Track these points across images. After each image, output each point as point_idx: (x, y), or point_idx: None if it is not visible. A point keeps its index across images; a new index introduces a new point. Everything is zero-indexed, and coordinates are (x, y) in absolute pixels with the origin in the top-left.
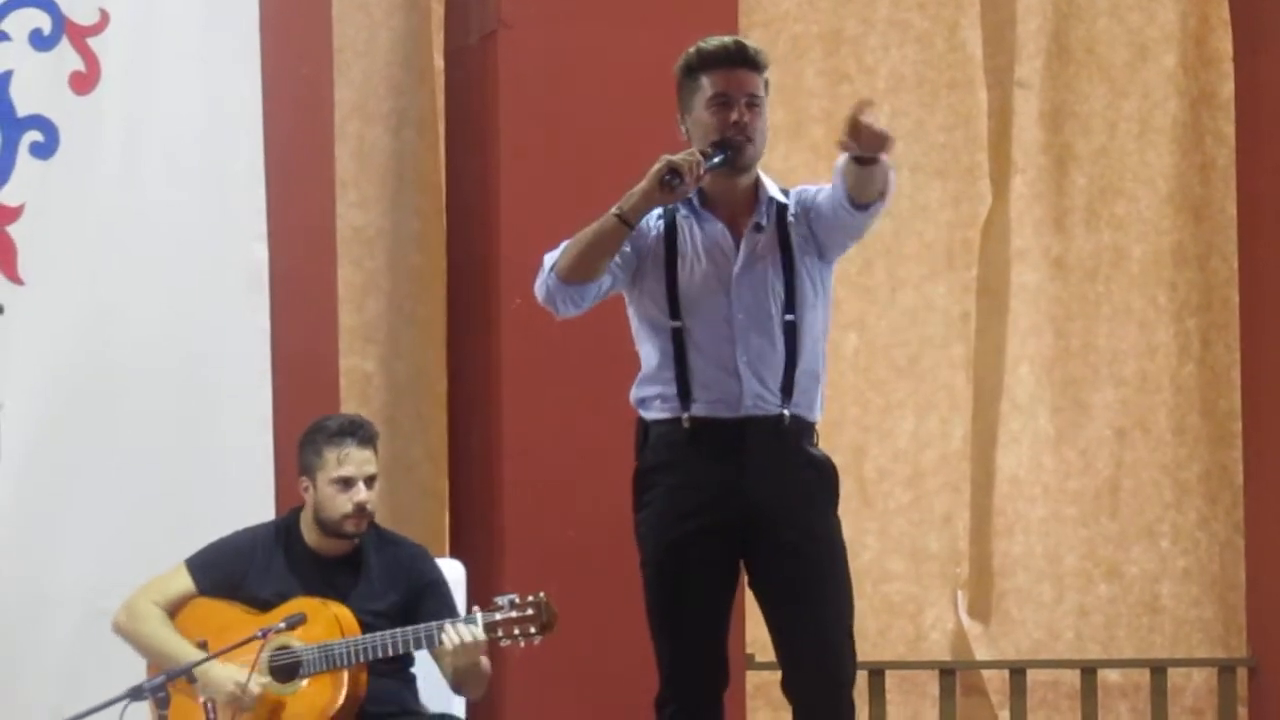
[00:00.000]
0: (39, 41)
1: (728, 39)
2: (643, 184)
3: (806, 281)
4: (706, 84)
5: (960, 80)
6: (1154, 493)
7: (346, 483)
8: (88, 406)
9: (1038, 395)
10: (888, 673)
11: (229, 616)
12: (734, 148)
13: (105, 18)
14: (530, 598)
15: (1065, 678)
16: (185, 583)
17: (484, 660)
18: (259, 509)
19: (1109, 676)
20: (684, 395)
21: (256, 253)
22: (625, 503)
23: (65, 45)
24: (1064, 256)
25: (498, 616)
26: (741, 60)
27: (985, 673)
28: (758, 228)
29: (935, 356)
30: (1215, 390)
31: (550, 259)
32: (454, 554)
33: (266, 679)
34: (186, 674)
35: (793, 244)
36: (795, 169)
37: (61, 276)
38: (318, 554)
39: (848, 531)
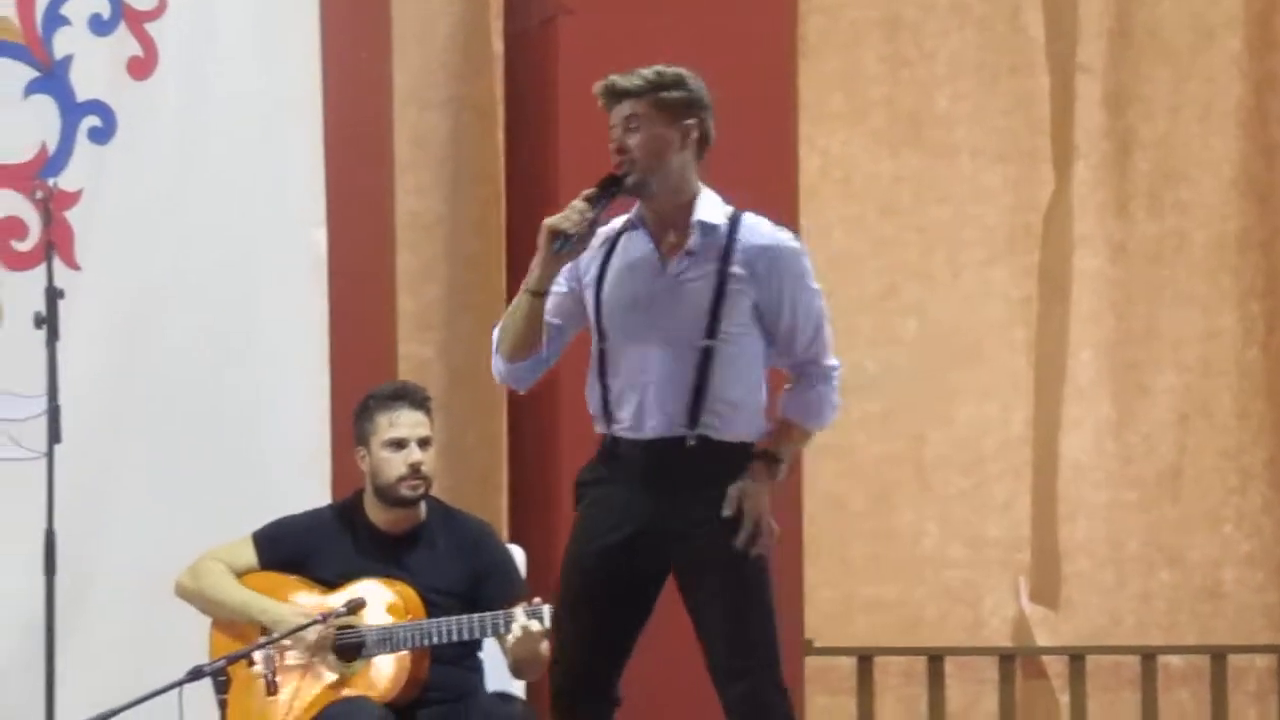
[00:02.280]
0: (98, 26)
1: (607, 80)
2: (538, 254)
3: (740, 314)
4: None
5: (1021, 64)
6: (1216, 478)
7: (399, 444)
8: (146, 391)
9: (1099, 380)
10: (947, 659)
11: (292, 588)
12: (618, 176)
13: (163, 3)
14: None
15: (1126, 663)
16: (249, 554)
17: (544, 646)
18: (316, 495)
19: (1170, 662)
20: (606, 414)
21: (316, 238)
22: None
23: (124, 30)
24: (1126, 241)
25: None
26: (612, 95)
27: (1045, 658)
28: (688, 252)
29: (996, 342)
30: (1279, 375)
31: (494, 339)
32: (513, 540)
33: (329, 658)
34: (246, 657)
35: (729, 278)
36: (855, 155)
37: (119, 262)
38: (382, 531)
39: (906, 517)
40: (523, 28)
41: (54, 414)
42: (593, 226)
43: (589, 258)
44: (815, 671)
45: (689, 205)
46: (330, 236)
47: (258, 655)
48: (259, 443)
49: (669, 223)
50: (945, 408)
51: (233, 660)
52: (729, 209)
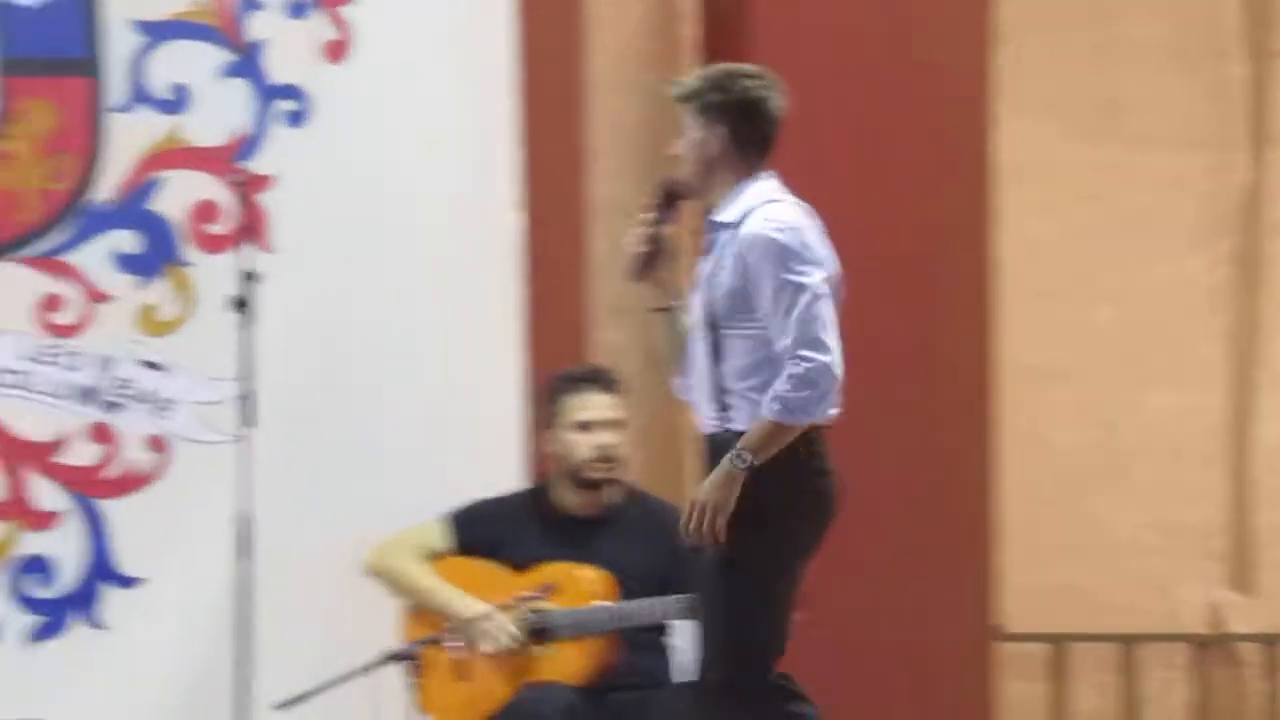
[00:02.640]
0: (294, 10)
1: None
2: None
3: (741, 306)
4: None
5: (1218, 51)
6: None
7: (586, 427)
8: (341, 375)
9: None
10: (1141, 645)
11: (483, 572)
12: (664, 187)
13: None
14: None
15: None
16: (440, 536)
17: None
18: (508, 480)
19: None
20: None
21: (511, 222)
22: (887, 476)
23: (319, 14)
24: None
25: None
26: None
27: (1240, 645)
28: (708, 251)
29: (1191, 328)
30: None
31: None
32: None
33: (521, 641)
34: (438, 641)
35: (725, 271)
36: (1051, 141)
37: (314, 245)
38: (572, 515)
39: (1099, 504)
40: (717, 11)
41: (248, 398)
42: (658, 241)
43: None
44: (1008, 658)
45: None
46: (528, 220)
47: (449, 639)
48: (452, 427)
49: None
50: (1139, 395)
51: (424, 644)
52: (754, 204)
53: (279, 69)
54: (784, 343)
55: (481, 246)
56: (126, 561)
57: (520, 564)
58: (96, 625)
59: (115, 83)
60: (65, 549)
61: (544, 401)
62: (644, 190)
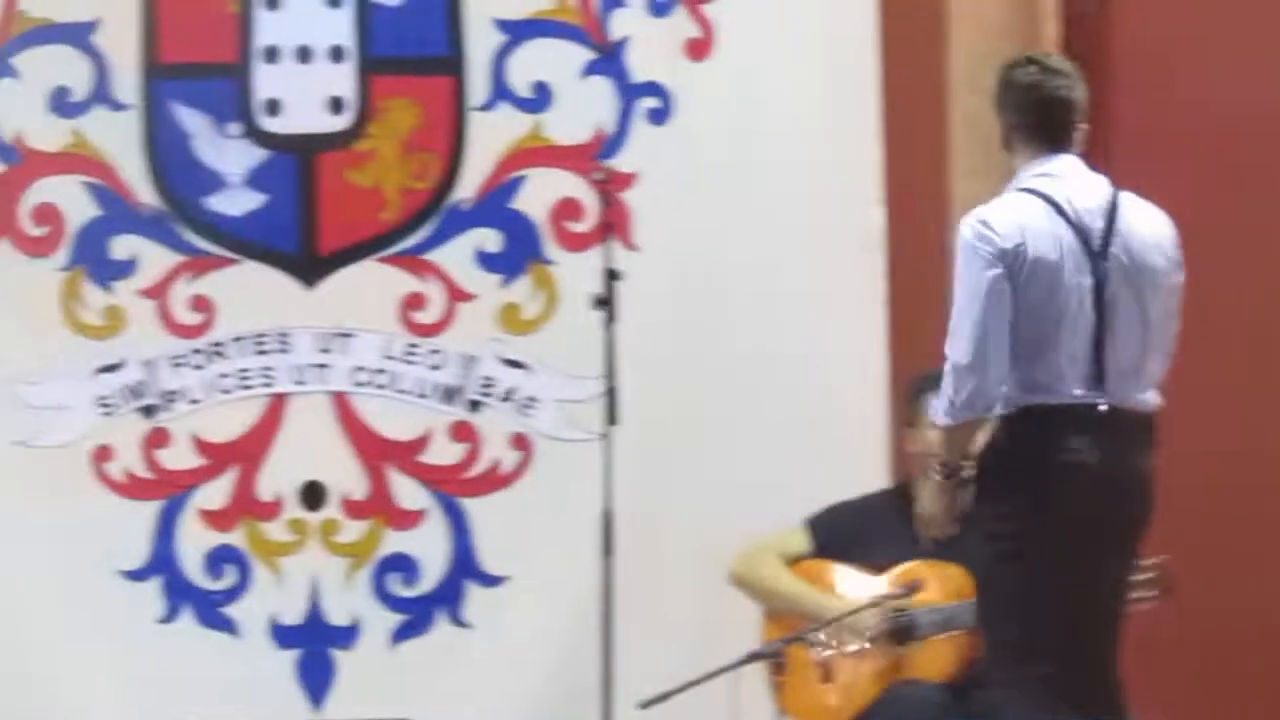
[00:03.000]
0: (656, 8)
1: None
2: None
3: None
4: None
5: None
6: None
7: None
8: (703, 372)
9: None
10: None
11: (844, 575)
12: None
13: None
14: (1151, 560)
15: None
16: (801, 540)
17: None
18: (873, 477)
19: None
20: None
21: (873, 217)
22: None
23: (681, 12)
24: None
25: None
26: None
27: None
28: None
29: None
30: None
31: None
32: None
33: (884, 641)
34: (802, 639)
35: None
36: None
37: (676, 242)
38: None
39: None
40: (1079, 11)
41: (611, 395)
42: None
43: None
44: None
45: None
46: (887, 216)
47: (813, 639)
48: (816, 424)
49: None
50: None
51: (789, 643)
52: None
53: (640, 67)
54: None
55: (844, 243)
56: (489, 560)
57: (881, 564)
58: (460, 624)
59: (477, 81)
60: (428, 548)
61: (907, 400)
62: (1001, 188)
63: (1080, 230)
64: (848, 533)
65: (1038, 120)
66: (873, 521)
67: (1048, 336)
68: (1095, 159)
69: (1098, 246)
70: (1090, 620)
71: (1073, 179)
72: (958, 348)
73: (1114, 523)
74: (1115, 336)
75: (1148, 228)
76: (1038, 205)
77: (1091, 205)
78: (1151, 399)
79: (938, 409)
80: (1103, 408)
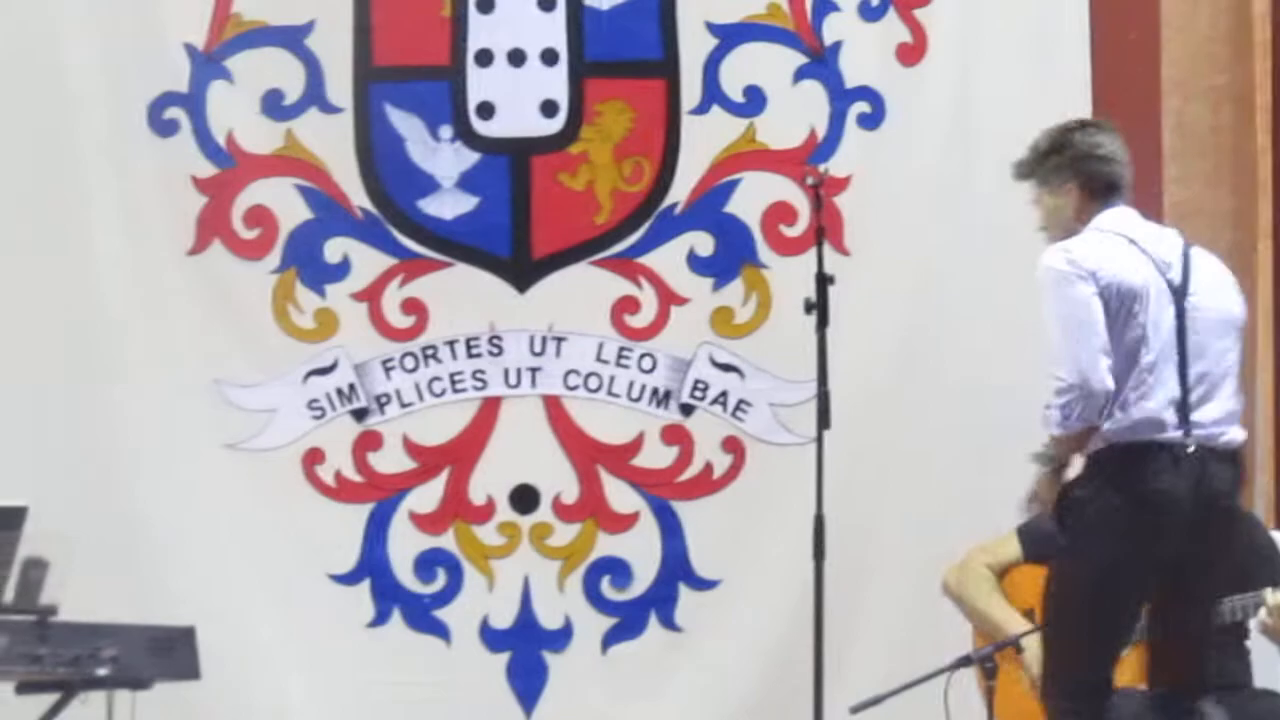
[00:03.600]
0: (868, 13)
1: None
2: None
3: None
4: None
5: None
6: None
7: None
8: (916, 378)
9: None
10: None
11: None
12: None
13: None
14: None
15: None
16: (1014, 549)
17: None
18: None
19: None
20: None
21: None
22: None
23: (893, 17)
24: None
25: None
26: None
27: None
28: None
29: None
30: None
31: None
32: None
33: None
34: (1014, 644)
35: None
36: None
37: (890, 247)
38: None
39: None
40: None
41: (824, 399)
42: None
43: None
44: None
45: None
46: None
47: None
48: (1027, 432)
49: None
50: None
51: (1000, 648)
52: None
53: (853, 71)
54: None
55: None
56: (701, 564)
57: None
58: (672, 627)
59: (690, 85)
60: (640, 551)
61: None
62: (1212, 196)
63: (1159, 266)
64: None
65: (1108, 176)
66: None
67: (1136, 368)
68: None
69: (1179, 284)
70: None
71: (1141, 225)
72: (1062, 368)
73: (1197, 557)
74: (1202, 373)
75: (1219, 270)
76: (1118, 241)
77: (1164, 246)
78: (1238, 435)
79: (1050, 420)
80: (1191, 448)
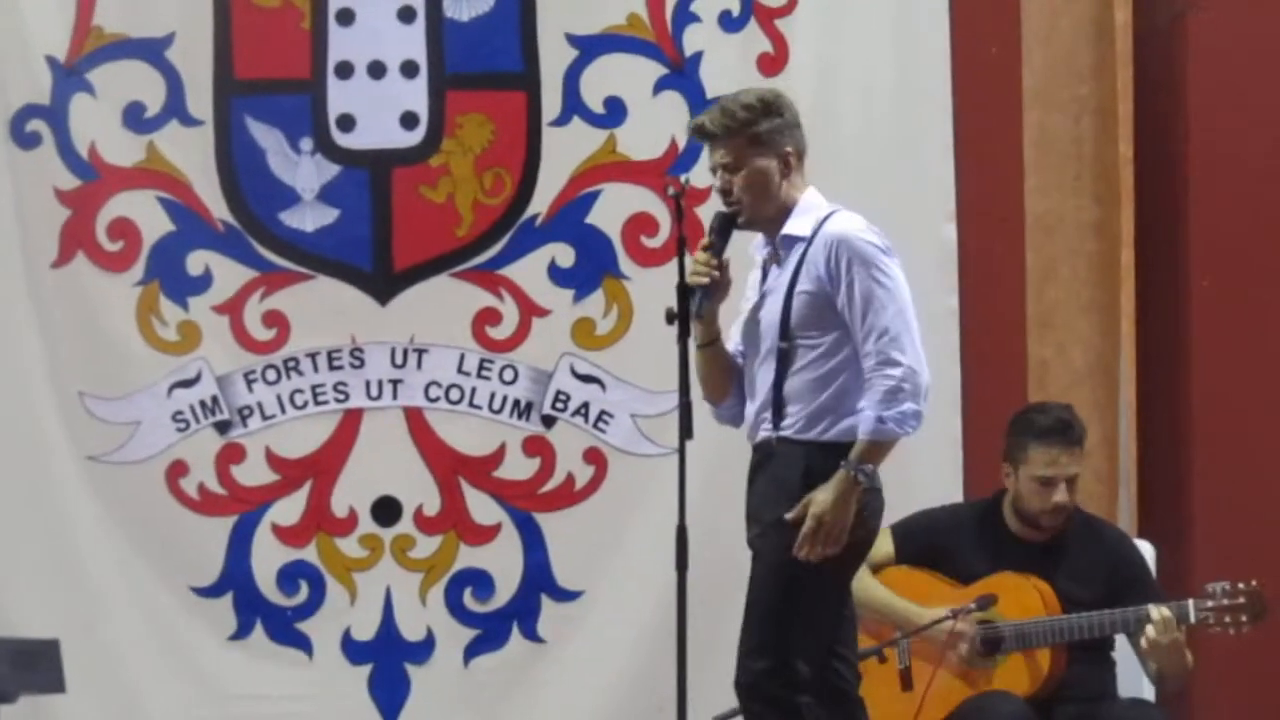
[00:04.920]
0: (728, 24)
1: (696, 121)
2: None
3: (814, 314)
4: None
5: None
6: None
7: (1047, 483)
8: None
9: None
10: None
11: (925, 583)
12: (725, 218)
13: (794, 0)
14: (1242, 585)
15: None
16: (887, 547)
17: (1188, 656)
18: (947, 490)
19: None
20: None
21: (946, 232)
22: None
23: (754, 27)
24: None
25: (1210, 604)
26: (705, 136)
27: None
28: (776, 265)
29: None
30: None
31: None
32: (1140, 536)
33: (971, 653)
34: (878, 654)
35: (799, 277)
36: None
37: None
38: (1019, 538)
39: None
40: (1150, 27)
41: (686, 410)
42: (724, 270)
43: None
44: None
45: (784, 221)
46: (960, 232)
47: (891, 651)
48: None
49: (773, 240)
50: None
51: (865, 656)
52: (823, 213)
53: (714, 82)
54: (870, 345)
55: (918, 256)
56: (564, 575)
57: (964, 576)
58: (535, 639)
59: (550, 97)
60: (502, 563)
61: (1011, 435)
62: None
63: None
64: (933, 542)
65: (804, 147)
66: (957, 534)
67: None
68: (1174, 172)
69: None
70: None
71: None
72: (911, 354)
73: None
74: None
75: None
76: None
77: None
78: None
79: (896, 422)
80: None
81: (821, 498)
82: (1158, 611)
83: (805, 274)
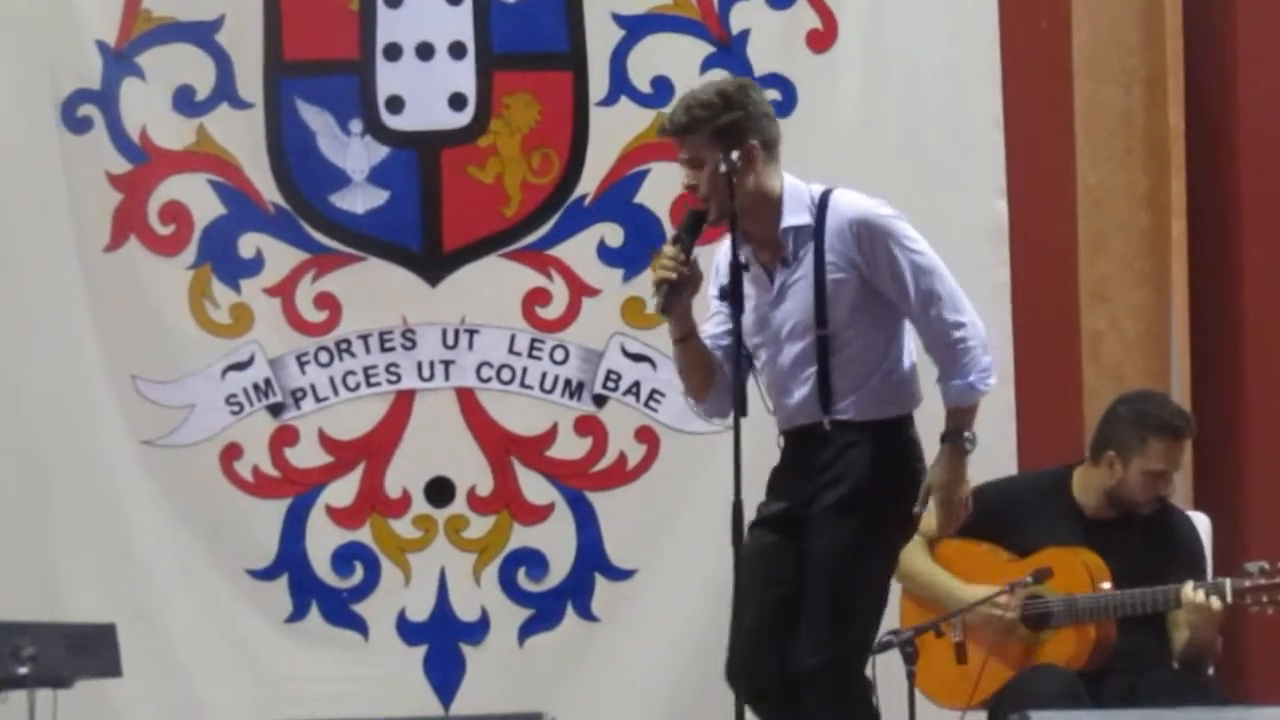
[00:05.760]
0: (776, 1)
1: (659, 119)
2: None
3: (847, 297)
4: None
5: None
6: None
7: (1160, 475)
8: None
9: None
10: None
11: (981, 558)
12: (695, 215)
13: None
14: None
15: None
16: None
17: (1218, 638)
18: (1001, 463)
19: None
20: (773, 413)
21: (996, 206)
22: None
23: (803, 4)
24: None
25: (1247, 583)
26: (668, 132)
27: None
28: (784, 262)
29: None
30: None
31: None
32: (1196, 507)
33: (1020, 626)
34: (935, 628)
35: (824, 264)
36: None
37: None
38: (1086, 514)
39: None
40: None
41: (740, 388)
42: (692, 265)
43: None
44: None
45: (775, 215)
46: (1010, 206)
47: (947, 625)
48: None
49: (762, 237)
50: None
51: (920, 631)
52: (814, 195)
53: (762, 59)
54: (927, 313)
55: (969, 230)
56: (617, 553)
57: (1022, 548)
58: (589, 617)
59: (597, 76)
60: (556, 542)
61: (1123, 424)
62: (1125, 177)
63: None
64: (994, 514)
65: (777, 136)
66: (1021, 506)
67: None
68: (1223, 142)
69: None
70: None
71: None
72: (966, 310)
73: None
74: None
75: None
76: None
77: None
78: None
79: (982, 376)
80: None
81: (943, 479)
82: (1192, 591)
83: (832, 261)
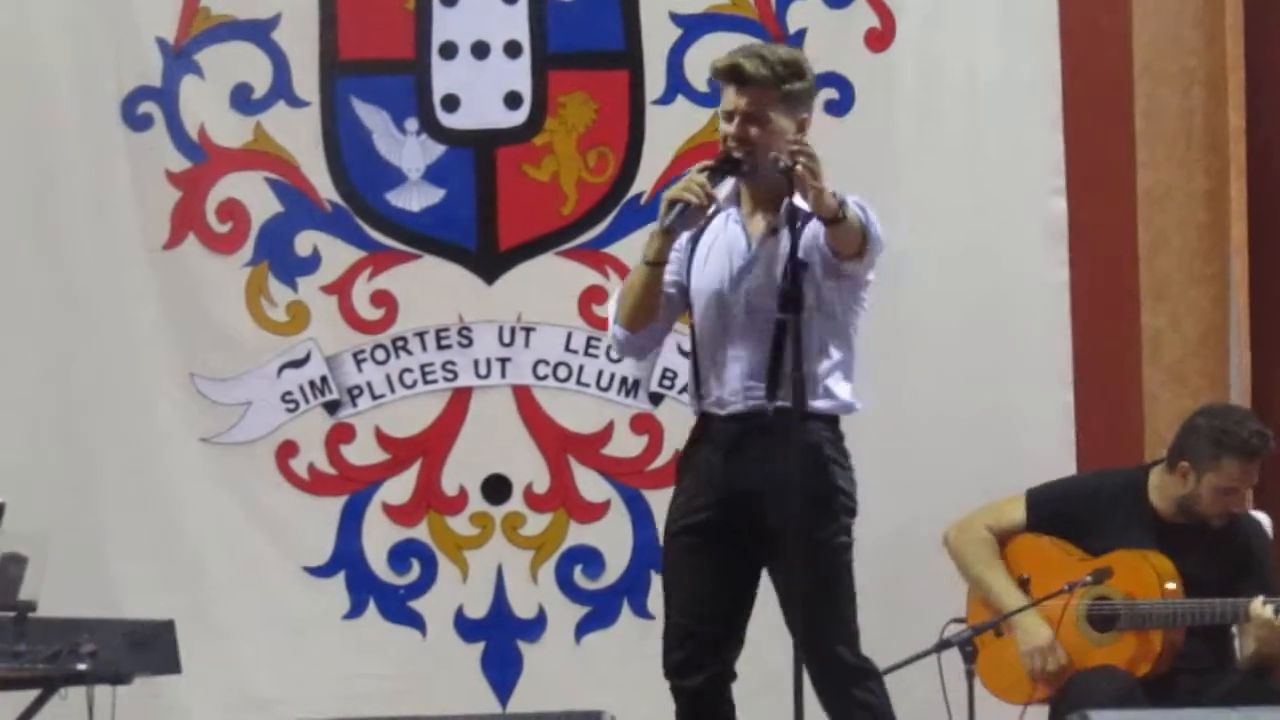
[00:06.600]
0: (836, 1)
1: (732, 60)
2: (657, 223)
3: (812, 284)
4: (723, 99)
5: None
6: None
7: (1231, 493)
8: (887, 359)
9: None
10: None
11: (1053, 557)
12: (729, 160)
13: None
14: None
15: None
16: (1019, 514)
17: None
18: (1058, 463)
19: None
20: (696, 390)
21: (1055, 206)
22: None
23: (861, 3)
24: None
25: None
26: (737, 79)
27: None
28: (773, 231)
29: None
30: None
31: (611, 309)
32: (1257, 507)
33: (1083, 626)
34: (994, 627)
35: (800, 249)
36: None
37: None
38: (1160, 517)
39: None
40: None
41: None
42: (711, 200)
43: (687, 234)
44: None
45: (786, 189)
46: (1070, 205)
47: (1006, 625)
48: (1004, 408)
49: (763, 204)
50: None
51: (978, 631)
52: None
53: (820, 58)
54: None
55: (1027, 229)
56: None
57: (1095, 548)
58: (645, 615)
59: (654, 75)
60: (612, 540)
61: (1201, 439)
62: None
63: None
64: (1067, 512)
65: None
66: (1095, 505)
67: None
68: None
69: None
70: None
71: None
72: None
73: None
74: None
75: None
76: None
77: None
78: None
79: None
80: None
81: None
82: (1261, 606)
83: (808, 248)
